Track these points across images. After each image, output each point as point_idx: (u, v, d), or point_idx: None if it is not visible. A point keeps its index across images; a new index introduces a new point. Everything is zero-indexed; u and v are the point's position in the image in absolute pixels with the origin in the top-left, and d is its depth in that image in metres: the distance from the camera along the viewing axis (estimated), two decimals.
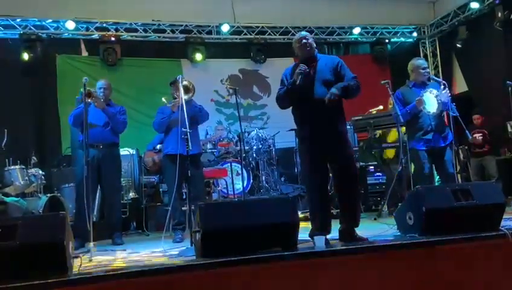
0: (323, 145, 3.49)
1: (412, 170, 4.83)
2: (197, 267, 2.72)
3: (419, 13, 8.92)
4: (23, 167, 5.24)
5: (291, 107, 3.72)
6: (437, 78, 4.87)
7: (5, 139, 5.36)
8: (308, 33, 3.72)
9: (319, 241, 3.33)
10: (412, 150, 4.66)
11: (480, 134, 6.87)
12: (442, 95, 4.56)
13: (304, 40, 3.59)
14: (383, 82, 4.64)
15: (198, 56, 8.05)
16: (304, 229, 3.31)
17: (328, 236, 3.45)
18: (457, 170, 7.00)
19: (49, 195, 5.21)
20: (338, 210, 3.66)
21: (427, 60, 8.87)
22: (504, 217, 3.45)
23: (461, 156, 7.05)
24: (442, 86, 4.62)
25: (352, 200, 3.58)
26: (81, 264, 2.89)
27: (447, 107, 4.57)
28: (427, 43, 9.11)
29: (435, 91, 4.60)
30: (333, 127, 3.52)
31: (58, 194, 5.49)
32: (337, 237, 3.53)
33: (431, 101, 4.58)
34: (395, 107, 4.68)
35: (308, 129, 3.56)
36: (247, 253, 2.81)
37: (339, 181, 3.57)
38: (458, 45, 8.19)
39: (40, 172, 5.44)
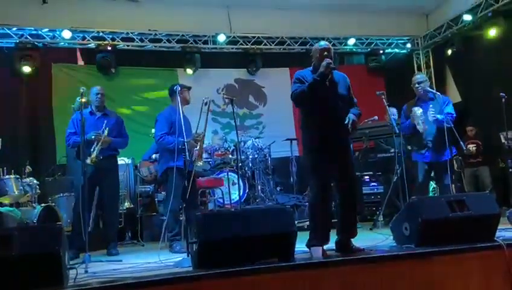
0: (332, 155, 3.52)
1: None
2: (193, 278, 2.71)
3: (413, 25, 9.03)
4: (18, 176, 5.19)
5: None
6: (430, 90, 4.94)
7: None
8: (329, 44, 3.66)
9: (316, 253, 3.34)
10: (413, 161, 4.98)
11: (474, 144, 6.93)
12: (430, 114, 4.67)
13: (327, 52, 3.54)
14: (378, 93, 4.71)
15: (195, 66, 8.07)
16: (300, 239, 3.31)
17: (325, 247, 3.45)
18: (452, 180, 7.05)
19: (43, 205, 5.18)
20: (335, 220, 3.66)
21: (420, 71, 8.97)
22: (499, 227, 3.48)
23: (455, 166, 7.10)
24: (431, 106, 4.72)
25: (351, 211, 3.59)
26: (76, 275, 2.87)
27: (440, 124, 4.61)
28: (420, 54, 9.20)
29: (420, 110, 4.70)
30: (342, 138, 3.57)
31: (53, 204, 5.45)
32: (334, 248, 3.54)
33: (421, 118, 4.70)
34: (389, 117, 4.84)
35: (319, 139, 3.54)
36: (245, 264, 2.81)
37: (340, 191, 3.57)
38: (449, 52, 8.27)
39: (35, 181, 5.39)
